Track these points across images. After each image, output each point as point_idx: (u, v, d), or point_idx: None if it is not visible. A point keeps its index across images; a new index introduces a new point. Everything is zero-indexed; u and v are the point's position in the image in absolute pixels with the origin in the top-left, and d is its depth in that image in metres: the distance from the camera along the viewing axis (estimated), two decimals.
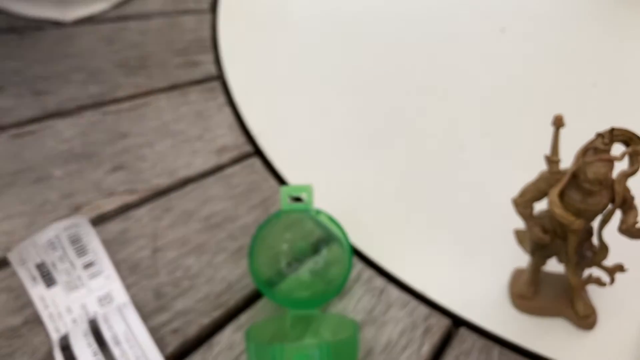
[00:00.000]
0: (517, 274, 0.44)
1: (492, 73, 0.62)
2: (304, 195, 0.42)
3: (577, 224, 0.34)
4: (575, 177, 0.34)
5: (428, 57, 0.64)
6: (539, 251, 0.40)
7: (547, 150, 0.36)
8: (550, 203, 0.35)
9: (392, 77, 0.62)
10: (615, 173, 0.34)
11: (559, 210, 0.34)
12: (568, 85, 0.61)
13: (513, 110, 0.58)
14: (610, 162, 0.33)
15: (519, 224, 0.43)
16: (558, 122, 0.35)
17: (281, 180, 0.53)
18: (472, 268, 0.46)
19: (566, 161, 0.36)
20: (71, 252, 0.44)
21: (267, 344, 0.38)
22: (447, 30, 0.68)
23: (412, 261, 0.46)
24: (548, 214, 0.38)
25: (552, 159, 0.36)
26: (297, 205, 0.42)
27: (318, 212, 0.42)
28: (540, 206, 0.39)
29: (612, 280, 0.39)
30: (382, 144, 0.56)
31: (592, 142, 0.33)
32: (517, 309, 0.43)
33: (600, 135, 0.33)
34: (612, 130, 0.33)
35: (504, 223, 0.46)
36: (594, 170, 0.33)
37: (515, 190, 0.39)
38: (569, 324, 0.42)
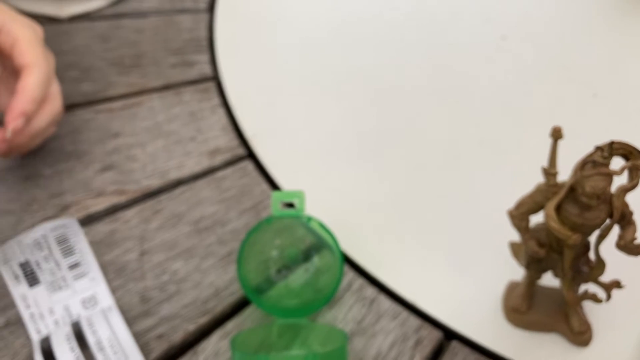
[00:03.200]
0: (511, 287, 0.43)
1: (491, 81, 0.61)
2: (295, 202, 0.41)
3: (573, 238, 0.34)
4: (573, 190, 0.34)
5: (427, 64, 0.64)
6: (534, 265, 0.39)
7: (544, 162, 0.36)
8: (547, 217, 0.34)
9: (389, 83, 0.61)
10: (614, 187, 0.33)
11: (555, 224, 0.33)
12: (568, 95, 0.60)
13: (511, 119, 0.57)
14: (609, 176, 0.32)
15: (514, 236, 0.42)
16: (556, 134, 0.34)
17: (274, 185, 0.52)
18: (465, 280, 0.45)
19: (564, 173, 0.35)
20: (57, 252, 0.43)
21: (253, 353, 0.37)
22: (448, 36, 0.67)
23: (405, 271, 0.45)
24: (544, 227, 0.37)
25: (550, 172, 0.35)
26: (289, 211, 0.41)
27: (309, 218, 0.41)
28: (537, 219, 0.38)
29: (609, 297, 0.38)
30: (377, 151, 0.55)
31: (590, 155, 0.32)
32: (511, 323, 0.42)
33: (599, 149, 0.32)
34: (612, 143, 0.32)
35: (499, 235, 0.45)
36: (592, 184, 0.32)
37: (510, 202, 0.38)
38: (563, 340, 0.41)
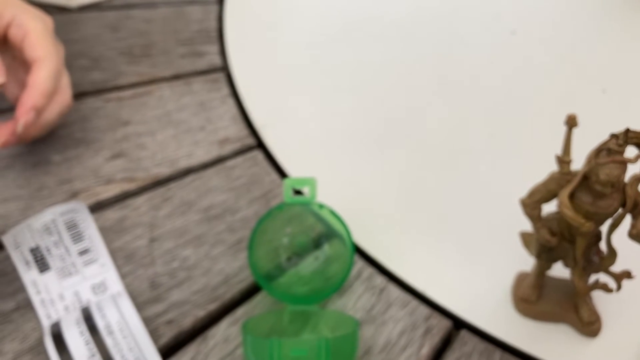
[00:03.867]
0: (520, 278, 0.43)
1: (501, 75, 0.61)
2: (306, 190, 0.41)
3: (587, 226, 0.34)
4: (587, 178, 0.34)
5: (436, 57, 0.64)
6: (545, 254, 0.39)
7: (553, 155, 0.36)
8: (560, 204, 0.34)
9: (399, 75, 0.61)
10: (627, 176, 0.33)
11: (569, 212, 0.33)
12: (577, 90, 0.60)
13: (520, 113, 0.57)
14: (624, 164, 0.32)
15: (524, 226, 0.42)
16: (571, 122, 0.34)
17: (283, 175, 0.52)
18: (474, 270, 0.45)
19: (574, 164, 0.35)
20: (67, 238, 0.44)
21: (265, 337, 0.37)
22: (457, 31, 0.67)
23: (414, 261, 0.45)
24: (556, 216, 0.37)
25: (564, 159, 0.35)
26: (300, 198, 0.41)
27: (321, 206, 0.41)
28: (549, 208, 0.38)
29: (619, 287, 0.38)
30: (387, 142, 0.55)
31: (605, 143, 0.33)
32: (520, 313, 0.42)
33: (614, 136, 0.32)
34: (627, 131, 0.32)
35: (508, 226, 0.45)
36: (607, 171, 0.32)
37: (519, 193, 0.38)
38: (572, 330, 0.41)
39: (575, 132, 0.34)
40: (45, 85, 0.46)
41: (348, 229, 0.41)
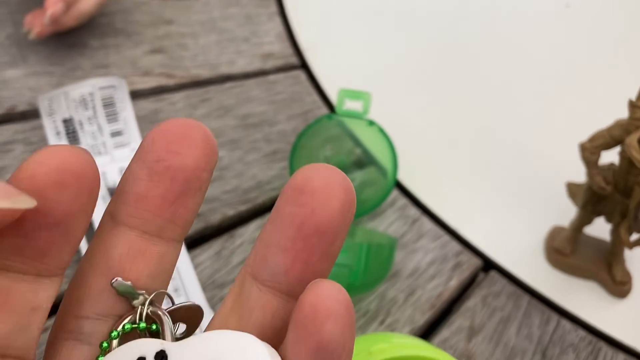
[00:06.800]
0: (556, 230, 0.42)
1: (551, 44, 0.60)
2: (359, 105, 0.40)
3: None
4: None
5: (490, 16, 0.62)
6: (591, 206, 0.38)
7: (594, 123, 0.35)
8: (628, 146, 0.33)
9: (450, 25, 0.60)
10: None
11: (637, 154, 0.33)
12: (625, 69, 0.59)
13: (568, 80, 0.56)
14: None
15: (565, 179, 0.42)
16: None
17: (325, 98, 0.50)
18: (510, 216, 0.44)
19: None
20: (101, 116, 0.42)
21: None
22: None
23: (450, 198, 0.45)
24: (612, 167, 0.37)
25: (637, 104, 0.34)
26: (352, 111, 0.40)
27: (371, 122, 0.40)
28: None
29: None
30: (435, 81, 0.54)
31: None
32: (552, 264, 0.41)
33: None
34: None
35: (549, 178, 0.44)
36: None
37: (563, 150, 0.37)
38: (601, 288, 0.40)
39: (617, 105, 0.34)
40: None
41: (394, 149, 0.40)
